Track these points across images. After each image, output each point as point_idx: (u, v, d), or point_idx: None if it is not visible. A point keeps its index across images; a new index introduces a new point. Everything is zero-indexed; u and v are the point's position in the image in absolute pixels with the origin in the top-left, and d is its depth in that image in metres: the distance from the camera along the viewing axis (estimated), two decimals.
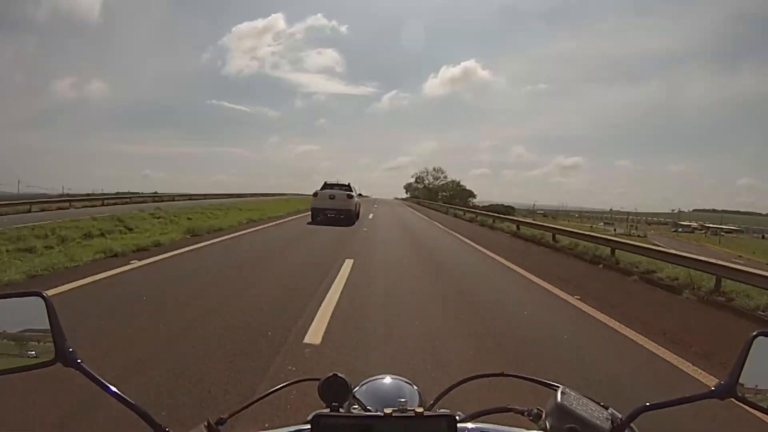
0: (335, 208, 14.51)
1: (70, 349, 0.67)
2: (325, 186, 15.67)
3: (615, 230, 57.75)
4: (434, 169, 76.54)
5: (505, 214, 23.05)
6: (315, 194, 14.95)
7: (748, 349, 0.64)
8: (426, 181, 76.39)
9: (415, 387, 0.79)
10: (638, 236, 53.86)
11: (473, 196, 71.01)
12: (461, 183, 74.00)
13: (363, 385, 0.79)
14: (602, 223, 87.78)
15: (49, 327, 0.68)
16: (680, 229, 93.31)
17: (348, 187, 15.74)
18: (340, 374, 0.72)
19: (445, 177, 75.06)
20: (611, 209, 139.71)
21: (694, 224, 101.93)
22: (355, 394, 0.75)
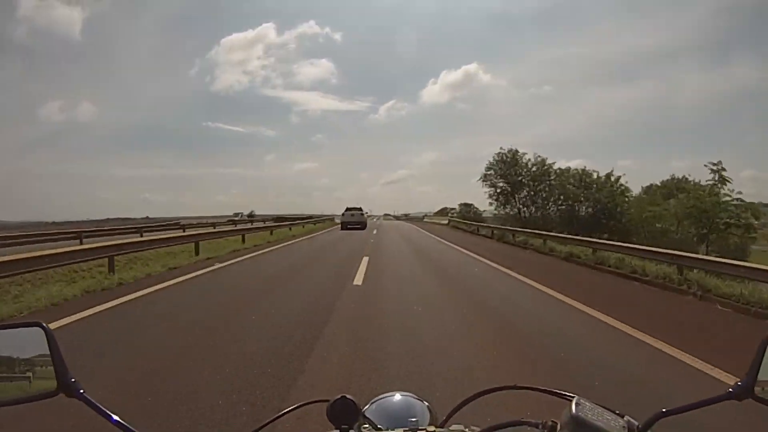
0: (354, 221, 28.73)
1: (72, 380, 0.67)
2: (347, 209, 30.36)
3: None
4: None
5: None
6: (343, 214, 30.23)
7: (765, 349, 0.64)
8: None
9: (425, 403, 0.78)
10: None
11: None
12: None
13: (373, 403, 0.78)
14: None
15: (50, 357, 0.68)
16: None
17: (360, 209, 30.52)
18: (348, 396, 0.70)
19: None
20: None
21: None
22: (366, 413, 0.74)
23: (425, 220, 63.91)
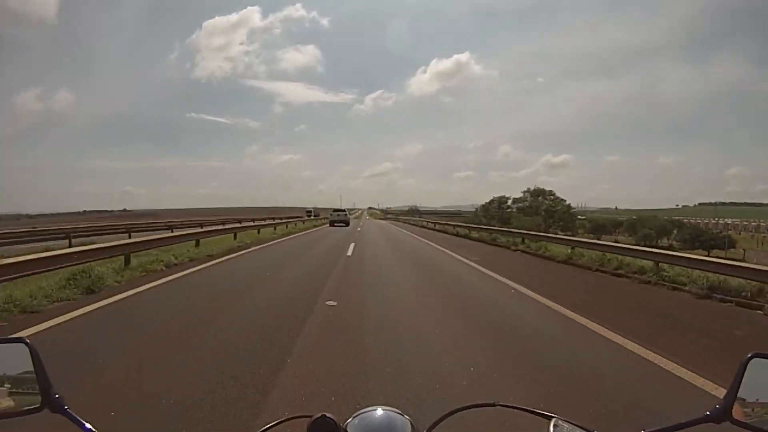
0: (340, 219, 35.75)
1: (56, 395, 0.68)
2: (334, 210, 40.39)
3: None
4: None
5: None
6: (331, 215, 37.83)
7: (743, 371, 0.63)
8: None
9: (407, 417, 0.79)
10: None
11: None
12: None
13: (354, 418, 0.78)
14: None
15: (34, 373, 0.68)
16: None
17: (344, 211, 41.21)
18: (328, 414, 0.70)
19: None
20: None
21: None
22: (347, 428, 0.74)
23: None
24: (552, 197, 52.29)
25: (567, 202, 53.05)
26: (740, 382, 0.62)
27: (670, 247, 31.44)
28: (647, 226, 48.64)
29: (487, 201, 57.43)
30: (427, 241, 18.93)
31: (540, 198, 52.79)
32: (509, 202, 55.05)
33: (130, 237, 17.22)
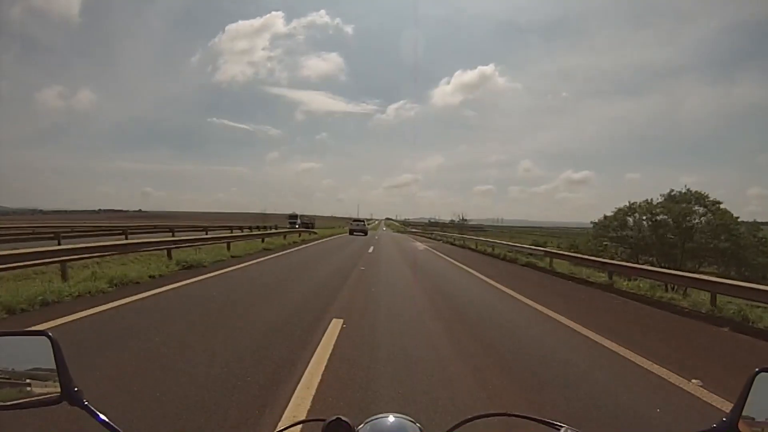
0: (359, 229, 37.23)
1: (76, 389, 0.69)
2: (354, 220, 42.71)
3: None
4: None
5: None
6: (350, 224, 40.13)
7: (750, 386, 0.64)
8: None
9: (418, 425, 0.80)
10: None
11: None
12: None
13: (366, 424, 0.79)
14: None
15: (55, 367, 0.70)
16: None
17: (363, 221, 42.85)
18: (343, 417, 0.72)
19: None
20: None
21: None
22: None
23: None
24: (714, 206, 25.54)
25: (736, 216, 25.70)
26: (747, 397, 0.64)
27: None
28: None
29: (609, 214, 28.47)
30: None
31: (688, 205, 25.74)
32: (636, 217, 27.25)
33: (126, 238, 17.10)
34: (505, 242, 21.28)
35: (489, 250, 20.53)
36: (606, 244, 26.46)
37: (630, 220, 27.03)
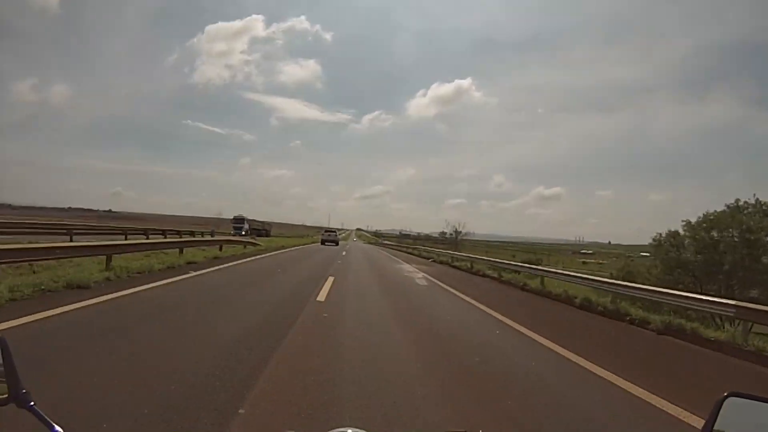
0: (331, 239, 36.94)
1: (24, 391, 0.68)
2: (326, 230, 43.68)
3: None
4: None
5: None
6: (322, 234, 40.12)
7: (719, 410, 0.64)
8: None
9: None
10: None
11: None
12: None
13: None
14: None
15: (2, 368, 0.68)
16: None
17: (335, 231, 44.97)
18: None
19: None
20: None
21: None
22: None
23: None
24: None
25: None
26: (715, 421, 0.63)
27: None
28: None
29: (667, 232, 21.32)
30: None
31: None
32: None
33: (71, 240, 15.49)
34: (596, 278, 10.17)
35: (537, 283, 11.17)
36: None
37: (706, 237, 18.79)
